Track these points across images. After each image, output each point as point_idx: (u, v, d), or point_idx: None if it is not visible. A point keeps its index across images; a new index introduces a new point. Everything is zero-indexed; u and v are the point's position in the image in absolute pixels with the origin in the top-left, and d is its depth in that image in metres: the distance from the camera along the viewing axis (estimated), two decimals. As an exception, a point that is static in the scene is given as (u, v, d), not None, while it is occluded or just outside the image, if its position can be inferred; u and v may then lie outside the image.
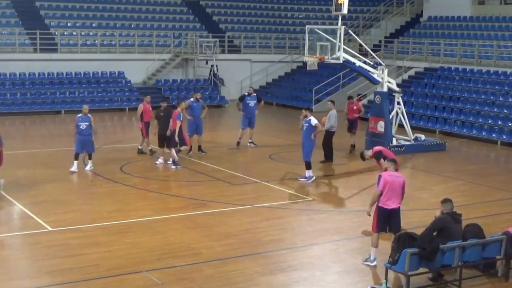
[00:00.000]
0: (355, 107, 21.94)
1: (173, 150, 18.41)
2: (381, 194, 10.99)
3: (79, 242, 12.13)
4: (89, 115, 17.78)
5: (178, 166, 18.39)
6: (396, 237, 10.32)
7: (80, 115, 17.80)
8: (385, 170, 11.65)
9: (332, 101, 20.37)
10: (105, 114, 29.78)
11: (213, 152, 20.86)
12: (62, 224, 13.16)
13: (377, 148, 14.57)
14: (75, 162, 17.63)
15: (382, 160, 13.77)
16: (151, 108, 20.19)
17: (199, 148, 20.50)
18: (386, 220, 11.11)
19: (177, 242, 12.23)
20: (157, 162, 18.85)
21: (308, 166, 17.25)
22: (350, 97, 22.69)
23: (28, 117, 28.56)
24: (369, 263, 11.19)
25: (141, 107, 19.97)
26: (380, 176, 11.13)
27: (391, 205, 11.00)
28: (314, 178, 17.26)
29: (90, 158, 17.93)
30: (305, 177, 17.20)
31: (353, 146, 21.54)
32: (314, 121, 17.04)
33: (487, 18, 33.68)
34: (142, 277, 10.49)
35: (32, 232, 12.71)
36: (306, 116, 17.19)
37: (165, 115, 18.65)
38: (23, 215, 13.83)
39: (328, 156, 19.69)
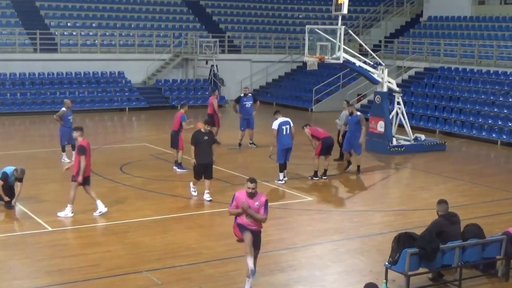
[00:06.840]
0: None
1: (180, 152, 18.07)
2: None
3: (79, 242, 12.14)
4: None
5: (184, 170, 17.96)
6: (396, 237, 10.31)
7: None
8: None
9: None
10: (105, 114, 29.79)
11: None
12: (62, 224, 13.17)
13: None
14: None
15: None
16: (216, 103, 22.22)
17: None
18: None
19: (177, 242, 12.24)
20: (195, 193, 15.67)
21: (279, 168, 17.17)
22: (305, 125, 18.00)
23: (28, 117, 28.54)
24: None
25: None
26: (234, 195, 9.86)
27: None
28: (282, 181, 16.97)
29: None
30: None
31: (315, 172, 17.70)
32: (273, 124, 17.17)
33: (487, 18, 33.66)
34: (142, 277, 10.49)
35: (32, 232, 12.72)
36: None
37: (209, 139, 15.18)
38: (23, 215, 13.84)
39: None
